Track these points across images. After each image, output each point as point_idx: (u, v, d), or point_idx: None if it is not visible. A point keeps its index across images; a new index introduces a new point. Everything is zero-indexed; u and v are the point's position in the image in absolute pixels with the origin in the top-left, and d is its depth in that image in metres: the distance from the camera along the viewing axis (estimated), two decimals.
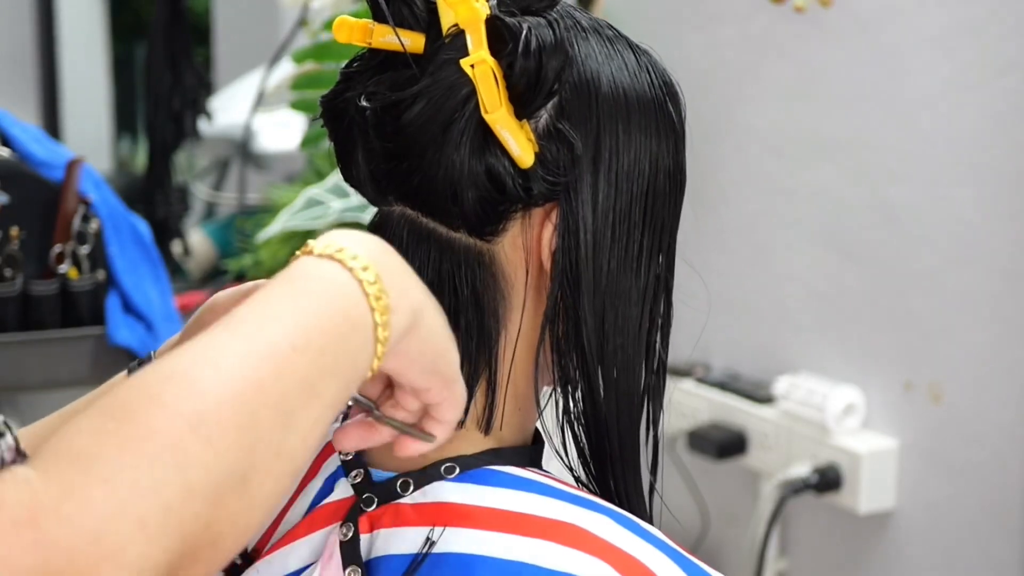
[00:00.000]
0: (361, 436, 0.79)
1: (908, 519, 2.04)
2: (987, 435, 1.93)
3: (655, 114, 0.86)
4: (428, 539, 0.81)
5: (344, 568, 0.83)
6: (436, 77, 0.81)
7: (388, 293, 0.69)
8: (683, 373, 2.27)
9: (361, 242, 0.70)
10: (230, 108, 3.14)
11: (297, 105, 2.27)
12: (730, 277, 2.25)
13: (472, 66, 0.79)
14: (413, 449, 0.78)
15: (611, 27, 0.88)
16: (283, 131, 2.95)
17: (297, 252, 0.70)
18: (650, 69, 0.87)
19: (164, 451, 0.59)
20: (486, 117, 0.80)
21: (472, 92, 0.80)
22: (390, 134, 0.82)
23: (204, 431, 0.60)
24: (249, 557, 0.89)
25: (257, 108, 2.90)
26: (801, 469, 2.06)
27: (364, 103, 0.83)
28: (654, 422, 0.90)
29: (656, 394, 0.90)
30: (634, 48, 0.88)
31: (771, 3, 2.13)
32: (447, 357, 0.75)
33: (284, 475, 0.64)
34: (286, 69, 2.63)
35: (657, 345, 0.89)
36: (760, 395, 2.19)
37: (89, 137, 4.16)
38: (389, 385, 0.78)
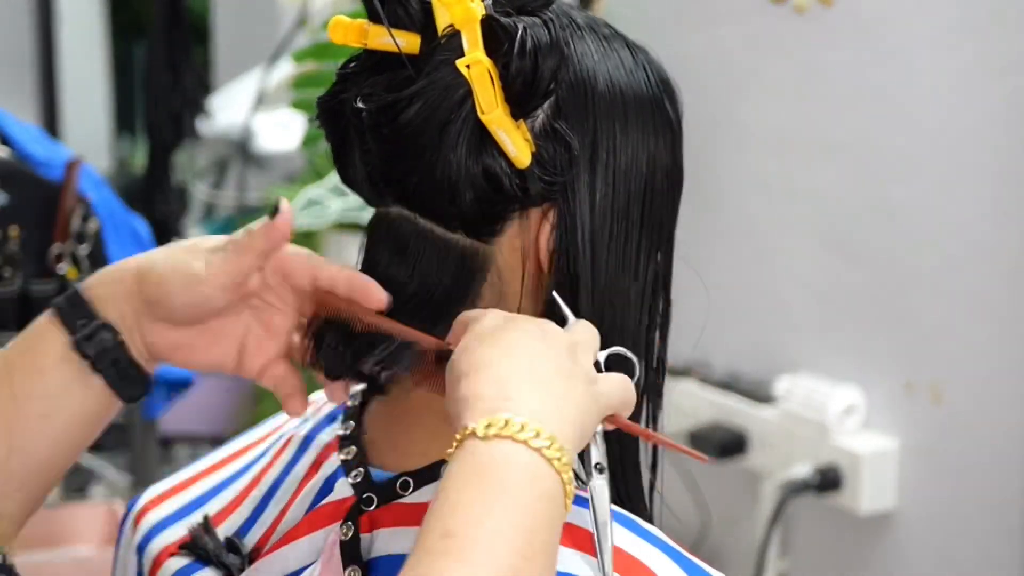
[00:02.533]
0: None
1: (908, 519, 2.04)
2: (987, 435, 1.93)
3: (652, 112, 0.86)
4: None
5: (344, 568, 0.82)
6: (432, 78, 0.81)
7: (565, 450, 0.71)
8: (683, 373, 2.27)
9: (524, 405, 0.71)
10: (230, 108, 3.14)
11: (297, 105, 2.27)
12: (730, 277, 2.25)
13: (468, 67, 0.79)
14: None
15: (607, 25, 0.87)
16: (283, 131, 2.95)
17: (457, 435, 0.71)
18: (646, 67, 0.87)
19: None
20: (482, 118, 0.79)
21: (468, 93, 0.79)
22: (387, 135, 0.82)
23: None
24: (249, 557, 0.89)
25: (257, 108, 2.90)
26: (802, 469, 2.05)
27: (360, 104, 0.82)
28: (654, 421, 0.90)
29: (656, 393, 0.90)
30: (630, 46, 0.87)
31: (771, 3, 2.13)
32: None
33: None
34: (286, 69, 2.63)
35: (656, 343, 0.89)
36: (760, 395, 2.18)
37: (89, 137, 4.17)
38: None
